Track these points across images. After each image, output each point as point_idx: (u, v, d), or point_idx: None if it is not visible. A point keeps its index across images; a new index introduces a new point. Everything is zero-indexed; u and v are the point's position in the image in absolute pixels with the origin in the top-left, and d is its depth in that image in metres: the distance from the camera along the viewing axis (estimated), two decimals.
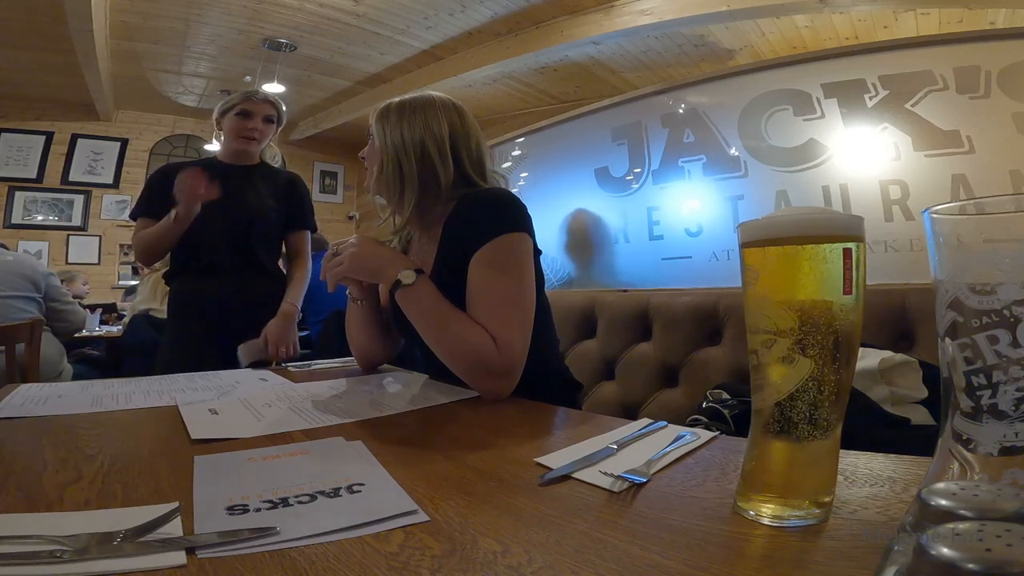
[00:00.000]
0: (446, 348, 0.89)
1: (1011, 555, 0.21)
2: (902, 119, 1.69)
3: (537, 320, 0.93)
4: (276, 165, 1.86)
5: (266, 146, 1.82)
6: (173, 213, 1.55)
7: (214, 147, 1.81)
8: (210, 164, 1.78)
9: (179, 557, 0.35)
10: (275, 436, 0.64)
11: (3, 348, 1.94)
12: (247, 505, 0.43)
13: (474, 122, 1.05)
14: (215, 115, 1.74)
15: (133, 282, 4.95)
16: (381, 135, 1.00)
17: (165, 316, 1.84)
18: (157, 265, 3.23)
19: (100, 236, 5.73)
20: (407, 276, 0.90)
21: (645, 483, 0.47)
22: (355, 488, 0.46)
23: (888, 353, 1.21)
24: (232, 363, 1.55)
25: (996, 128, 1.56)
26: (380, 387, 0.98)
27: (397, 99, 1.03)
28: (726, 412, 1.17)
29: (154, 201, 1.66)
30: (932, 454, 0.31)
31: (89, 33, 3.55)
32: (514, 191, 1.10)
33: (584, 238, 2.41)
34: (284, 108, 1.80)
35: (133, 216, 1.72)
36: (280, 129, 1.81)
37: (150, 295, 3.05)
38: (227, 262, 1.66)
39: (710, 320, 1.62)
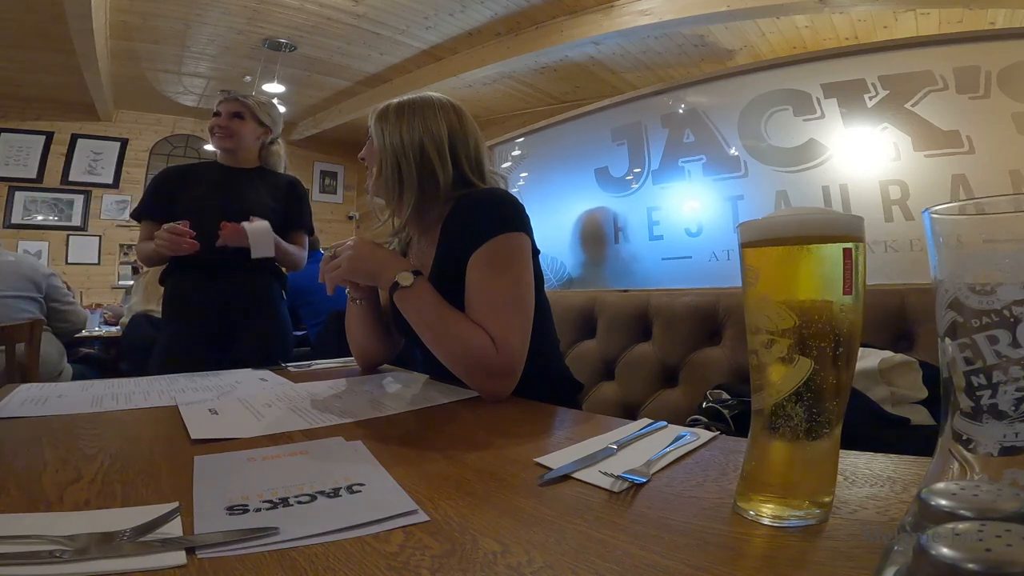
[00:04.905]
0: (445, 349, 0.89)
1: (1011, 555, 0.21)
2: (902, 119, 1.69)
3: (537, 320, 0.93)
4: (279, 170, 1.87)
5: (272, 154, 1.83)
6: (154, 244, 1.61)
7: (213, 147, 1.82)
8: (210, 166, 1.79)
9: (179, 557, 0.35)
10: (275, 436, 0.64)
11: (3, 348, 1.94)
12: (247, 505, 0.43)
13: (473, 123, 1.04)
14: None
15: (132, 282, 4.95)
16: (380, 136, 1.00)
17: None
18: None
19: (100, 236, 5.72)
20: (405, 278, 0.90)
21: (645, 483, 0.47)
22: (355, 488, 0.47)
23: (888, 353, 1.21)
24: (229, 360, 1.56)
25: (996, 128, 1.56)
26: (380, 387, 0.98)
27: (396, 100, 1.02)
28: (726, 412, 1.17)
29: (155, 204, 1.69)
30: (932, 454, 0.31)
31: (89, 33, 3.55)
32: (514, 191, 1.11)
33: (584, 238, 2.41)
34: (264, 106, 1.80)
35: (135, 217, 1.75)
36: (266, 129, 1.81)
37: (148, 295, 3.05)
38: (226, 261, 1.66)
39: (710, 320, 1.62)
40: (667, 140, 2.18)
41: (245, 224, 1.60)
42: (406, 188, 0.98)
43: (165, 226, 1.56)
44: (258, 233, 1.61)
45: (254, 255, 1.60)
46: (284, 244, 1.72)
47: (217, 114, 1.75)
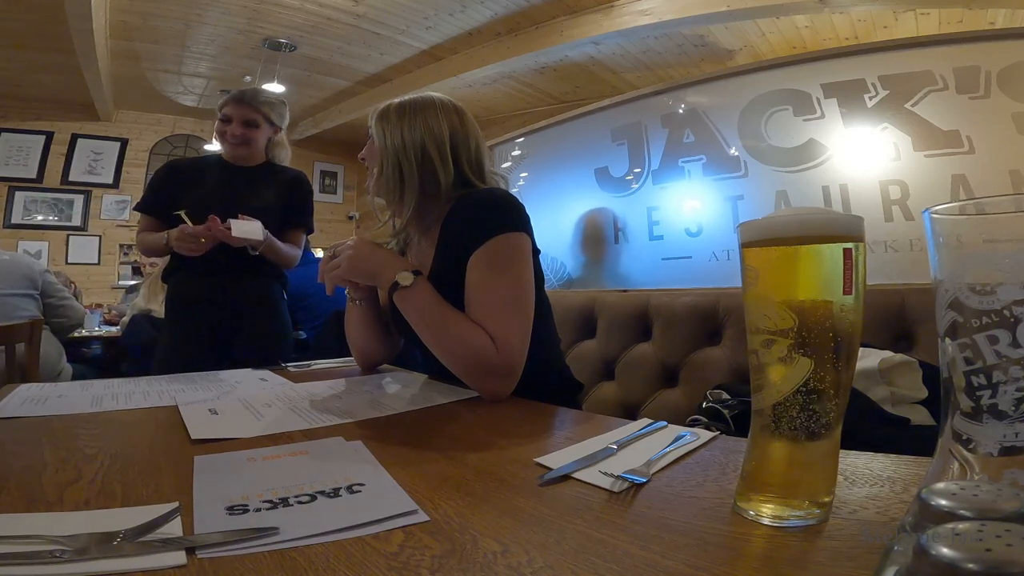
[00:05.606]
0: (445, 349, 0.89)
1: (1011, 555, 0.21)
2: (902, 119, 1.69)
3: (538, 320, 0.93)
4: (285, 162, 1.85)
5: (277, 146, 1.81)
6: (166, 236, 1.60)
7: (214, 147, 1.81)
8: (215, 162, 1.78)
9: (179, 557, 0.35)
10: (275, 436, 0.64)
11: (3, 348, 1.94)
12: (247, 505, 0.43)
13: (474, 123, 1.04)
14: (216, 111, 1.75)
15: (133, 282, 4.95)
16: (381, 136, 1.00)
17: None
18: (159, 262, 3.23)
19: (100, 236, 5.72)
20: (405, 278, 0.90)
21: (645, 483, 0.47)
22: (355, 488, 0.47)
23: (888, 353, 1.21)
24: (230, 360, 1.55)
25: (996, 128, 1.56)
26: (380, 387, 0.98)
27: (397, 100, 1.02)
28: (726, 412, 1.17)
29: (157, 199, 1.68)
30: (932, 454, 0.31)
31: (89, 33, 3.55)
32: (514, 191, 1.11)
33: (584, 238, 2.41)
34: (275, 107, 1.77)
35: (137, 209, 1.74)
36: (276, 128, 1.79)
37: (149, 295, 3.05)
38: (228, 261, 1.66)
39: (710, 320, 1.62)
40: (667, 140, 2.18)
41: (232, 221, 1.57)
42: (407, 188, 0.98)
43: (183, 232, 1.55)
44: (243, 225, 1.58)
45: (235, 234, 1.56)
46: (276, 243, 1.69)
47: (226, 119, 1.69)
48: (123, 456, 0.57)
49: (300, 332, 2.70)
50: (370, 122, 1.03)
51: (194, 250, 1.56)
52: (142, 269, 4.18)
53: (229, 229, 1.55)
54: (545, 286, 1.06)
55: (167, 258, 1.76)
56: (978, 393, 0.28)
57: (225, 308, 1.67)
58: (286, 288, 1.85)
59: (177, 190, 1.67)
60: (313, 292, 2.68)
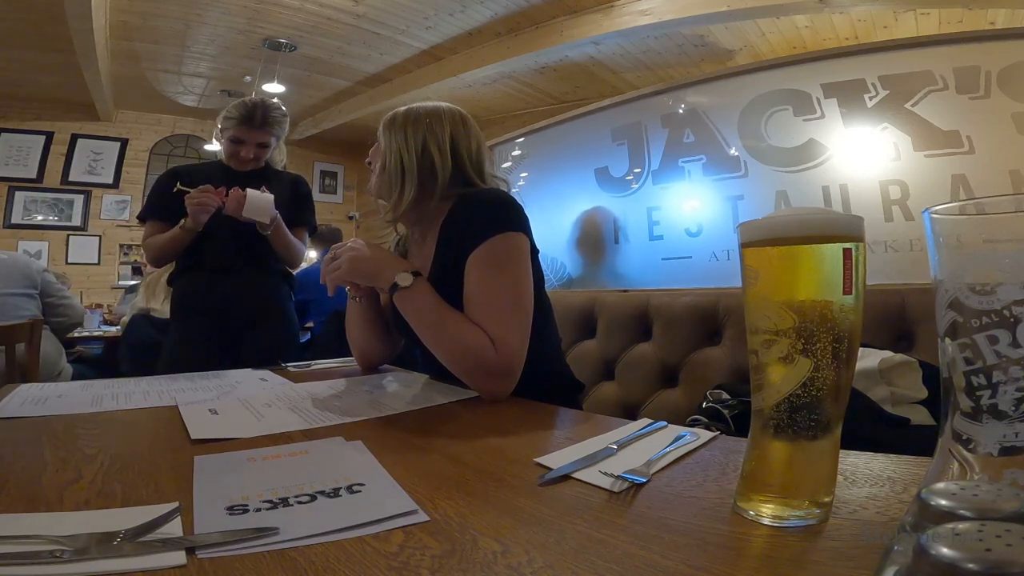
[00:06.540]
0: (444, 350, 0.89)
1: (1011, 555, 0.21)
2: (902, 119, 1.68)
3: (538, 320, 0.93)
4: (280, 166, 1.87)
5: (275, 149, 1.83)
6: (181, 222, 1.60)
7: (214, 147, 1.81)
8: (216, 167, 1.78)
9: (179, 557, 0.35)
10: (275, 436, 0.64)
11: (3, 348, 1.94)
12: (247, 505, 0.43)
13: (477, 129, 1.07)
14: (218, 120, 1.75)
15: (133, 282, 4.95)
16: (387, 138, 1.03)
17: (165, 316, 1.84)
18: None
19: (100, 236, 5.73)
20: (404, 279, 0.90)
21: (645, 483, 0.47)
22: (355, 488, 0.47)
23: (888, 353, 1.21)
24: (237, 362, 1.55)
25: (996, 128, 1.56)
26: (380, 387, 0.98)
27: (404, 108, 1.05)
28: (726, 412, 1.17)
29: (162, 204, 1.68)
30: (932, 454, 0.31)
31: (89, 33, 3.55)
32: (514, 191, 1.11)
33: (584, 238, 2.41)
34: (282, 124, 1.77)
35: (141, 218, 1.75)
36: (282, 138, 1.81)
37: (149, 295, 3.05)
38: (233, 262, 1.66)
39: (710, 320, 1.62)
40: (667, 140, 2.18)
41: (249, 191, 1.59)
42: (407, 180, 1.00)
43: (195, 190, 1.56)
44: (257, 199, 1.60)
45: (244, 213, 1.58)
46: (290, 236, 1.71)
47: (238, 141, 1.70)
48: (123, 456, 0.57)
49: (310, 325, 2.71)
50: (379, 129, 1.05)
51: (209, 202, 1.56)
52: (142, 269, 4.18)
53: (245, 196, 1.57)
54: (545, 286, 1.06)
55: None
56: (978, 393, 0.28)
57: (232, 309, 1.67)
58: (293, 289, 1.86)
59: (180, 196, 1.68)
60: (322, 286, 2.69)
